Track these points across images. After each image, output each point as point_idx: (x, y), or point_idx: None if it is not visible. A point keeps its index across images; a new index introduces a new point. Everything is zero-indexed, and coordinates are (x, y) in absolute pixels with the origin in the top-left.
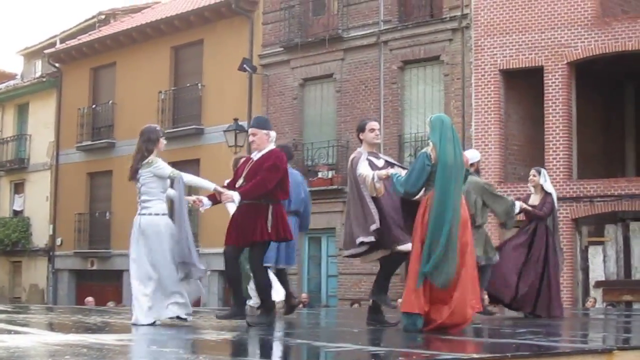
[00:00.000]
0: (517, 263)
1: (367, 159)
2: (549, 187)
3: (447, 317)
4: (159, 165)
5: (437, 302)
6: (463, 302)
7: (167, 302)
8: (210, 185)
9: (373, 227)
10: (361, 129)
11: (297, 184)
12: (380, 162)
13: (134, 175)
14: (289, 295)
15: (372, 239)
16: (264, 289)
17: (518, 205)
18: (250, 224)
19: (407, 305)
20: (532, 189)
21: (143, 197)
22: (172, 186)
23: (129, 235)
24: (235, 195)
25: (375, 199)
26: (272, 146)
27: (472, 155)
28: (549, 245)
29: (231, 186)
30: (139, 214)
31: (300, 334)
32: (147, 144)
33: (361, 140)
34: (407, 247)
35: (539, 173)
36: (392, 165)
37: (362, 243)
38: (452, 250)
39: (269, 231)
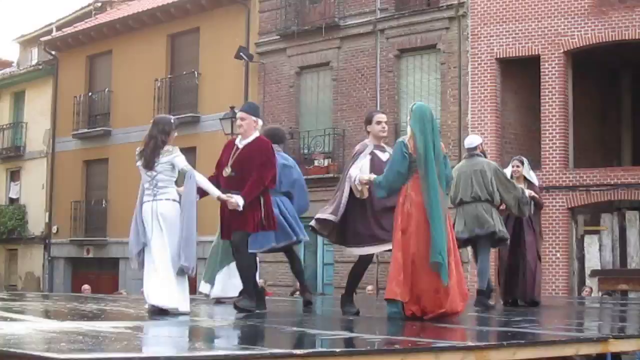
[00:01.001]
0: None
1: (371, 153)
2: (532, 177)
3: (443, 305)
4: (178, 154)
5: (426, 290)
6: (455, 290)
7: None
8: (215, 193)
9: (330, 217)
10: (368, 120)
11: (288, 167)
12: (385, 156)
13: (152, 165)
14: (303, 289)
15: (327, 217)
16: (246, 273)
17: (527, 192)
18: (240, 215)
19: (390, 292)
20: (515, 180)
21: (160, 184)
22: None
23: (130, 223)
24: (240, 201)
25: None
26: (257, 134)
27: (471, 140)
28: (523, 234)
29: (218, 177)
30: (155, 200)
31: (296, 322)
32: (162, 135)
33: (368, 132)
34: (365, 250)
35: (522, 163)
36: None
37: (317, 220)
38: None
39: (263, 223)
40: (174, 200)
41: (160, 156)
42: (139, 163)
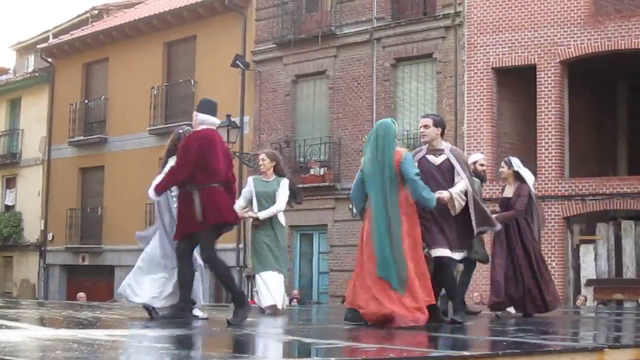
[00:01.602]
0: (504, 271)
1: (422, 158)
2: (524, 173)
3: (402, 311)
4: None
5: (386, 297)
6: (414, 298)
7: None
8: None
9: None
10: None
11: None
12: (439, 160)
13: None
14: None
15: None
16: (226, 280)
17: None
18: (184, 215)
19: (349, 299)
20: (504, 181)
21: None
22: None
23: (126, 231)
24: (150, 192)
25: None
26: (199, 128)
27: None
28: (525, 239)
29: None
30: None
31: (291, 331)
32: (177, 142)
33: None
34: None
35: (508, 164)
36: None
37: None
38: (398, 253)
39: (199, 220)
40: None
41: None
42: None
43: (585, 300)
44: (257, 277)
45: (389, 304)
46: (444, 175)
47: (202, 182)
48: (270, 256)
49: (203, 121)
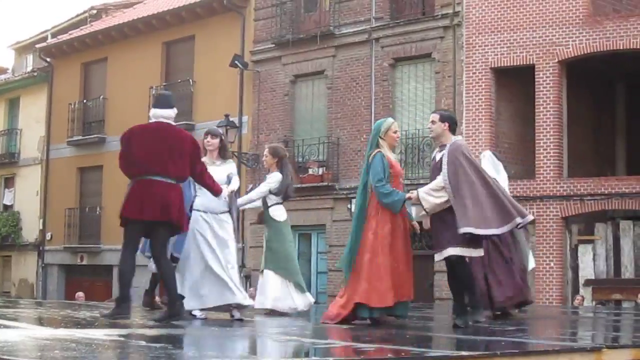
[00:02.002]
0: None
1: (434, 154)
2: (498, 170)
3: (335, 306)
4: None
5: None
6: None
7: None
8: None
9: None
10: None
11: None
12: (437, 157)
13: None
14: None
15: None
16: (166, 278)
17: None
18: None
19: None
20: None
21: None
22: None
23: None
24: None
25: None
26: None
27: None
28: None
29: None
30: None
31: (290, 331)
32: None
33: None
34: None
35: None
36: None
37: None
38: (355, 246)
39: (122, 209)
40: (196, 209)
41: None
42: None
43: (583, 300)
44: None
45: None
46: (437, 173)
47: (126, 174)
48: (264, 255)
49: (150, 116)
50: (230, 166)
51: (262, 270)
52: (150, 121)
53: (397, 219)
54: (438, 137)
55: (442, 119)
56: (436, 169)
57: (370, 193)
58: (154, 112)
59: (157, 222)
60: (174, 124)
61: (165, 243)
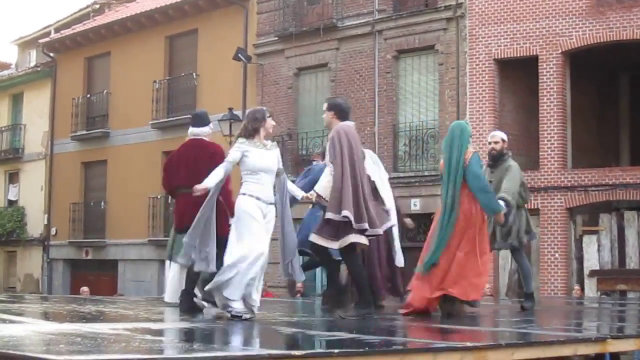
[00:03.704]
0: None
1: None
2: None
3: (415, 300)
4: (231, 148)
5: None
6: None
7: None
8: (207, 181)
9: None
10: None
11: None
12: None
13: None
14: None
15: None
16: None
17: None
18: None
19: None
20: None
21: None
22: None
23: (129, 224)
24: None
25: None
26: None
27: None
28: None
29: None
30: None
31: (295, 323)
32: (252, 122)
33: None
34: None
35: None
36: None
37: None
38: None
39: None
40: (243, 193)
41: None
42: None
43: (581, 291)
44: None
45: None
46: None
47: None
48: None
49: (188, 134)
50: (277, 151)
51: None
52: (188, 139)
53: (481, 217)
54: (328, 125)
55: (329, 108)
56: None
57: (460, 191)
58: (191, 130)
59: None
60: (207, 139)
61: None
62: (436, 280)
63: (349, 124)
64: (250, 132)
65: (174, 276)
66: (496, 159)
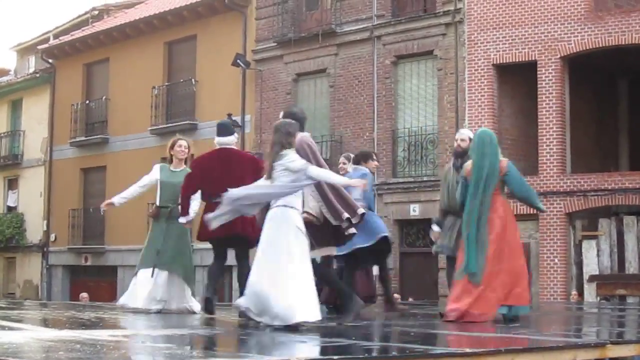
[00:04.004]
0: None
1: None
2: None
3: (468, 306)
4: (291, 157)
5: (464, 293)
6: (486, 294)
7: None
8: (339, 180)
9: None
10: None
11: None
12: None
13: (270, 174)
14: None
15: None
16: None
17: None
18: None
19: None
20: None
21: None
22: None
23: (130, 231)
24: None
25: None
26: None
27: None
28: None
29: None
30: (272, 207)
31: (295, 330)
32: (287, 137)
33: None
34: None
35: (349, 160)
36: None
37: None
38: (481, 250)
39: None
40: (292, 207)
41: (275, 161)
42: None
43: (578, 296)
44: None
45: (466, 301)
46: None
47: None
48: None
49: (215, 144)
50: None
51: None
52: (215, 148)
53: (514, 222)
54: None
55: (284, 117)
56: None
57: (492, 197)
58: (217, 140)
59: (227, 237)
60: (235, 147)
61: (239, 253)
62: (495, 290)
63: (308, 135)
64: (285, 147)
65: (143, 283)
66: (461, 157)
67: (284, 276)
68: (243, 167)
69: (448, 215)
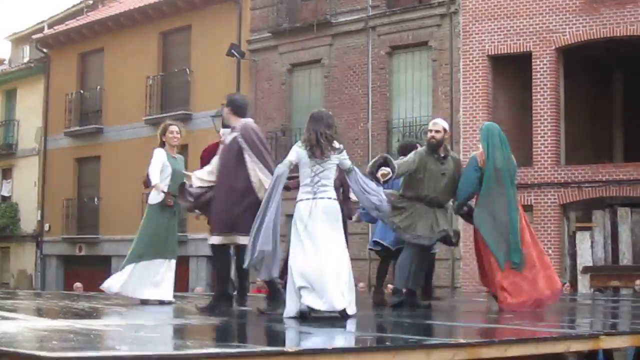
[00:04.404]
0: None
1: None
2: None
3: (537, 293)
4: (345, 155)
5: (520, 283)
6: (545, 273)
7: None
8: (374, 187)
9: None
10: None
11: None
12: (228, 139)
13: (326, 158)
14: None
15: None
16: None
17: None
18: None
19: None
20: None
21: (323, 182)
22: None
23: (124, 221)
24: None
25: None
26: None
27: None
28: None
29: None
30: (317, 198)
31: (289, 320)
32: (332, 129)
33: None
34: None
35: None
36: None
37: None
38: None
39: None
40: (335, 199)
41: (331, 153)
42: (305, 157)
43: (571, 287)
44: None
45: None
46: (228, 155)
47: None
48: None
49: (220, 135)
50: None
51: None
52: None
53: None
54: (226, 121)
55: (227, 104)
56: (226, 151)
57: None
58: (223, 131)
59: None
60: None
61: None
62: (535, 281)
63: (251, 121)
64: (331, 140)
65: (148, 273)
66: (435, 149)
67: (344, 266)
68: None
69: (414, 202)
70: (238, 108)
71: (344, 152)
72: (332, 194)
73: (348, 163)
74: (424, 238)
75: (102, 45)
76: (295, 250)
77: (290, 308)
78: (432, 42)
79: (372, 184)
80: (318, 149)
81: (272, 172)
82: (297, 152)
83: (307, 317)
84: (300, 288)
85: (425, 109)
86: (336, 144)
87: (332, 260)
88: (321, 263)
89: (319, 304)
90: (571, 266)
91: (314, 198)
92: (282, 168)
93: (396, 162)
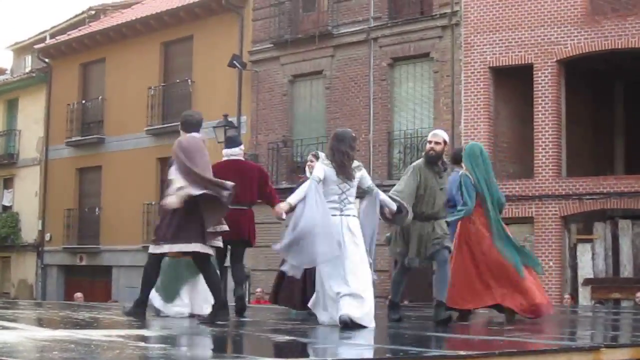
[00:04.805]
0: None
1: None
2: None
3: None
4: (365, 173)
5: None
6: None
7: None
8: (393, 206)
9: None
10: None
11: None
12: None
13: (352, 178)
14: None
15: None
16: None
17: None
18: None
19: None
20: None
21: (349, 199)
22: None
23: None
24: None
25: None
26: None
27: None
28: None
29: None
30: (344, 215)
31: (288, 331)
32: (353, 150)
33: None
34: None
35: (317, 157)
36: None
37: None
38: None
39: None
40: (356, 216)
41: (354, 171)
42: (333, 176)
43: (572, 299)
44: None
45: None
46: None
47: None
48: None
49: (223, 155)
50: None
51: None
52: (223, 159)
53: None
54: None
55: (181, 119)
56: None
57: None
58: (225, 152)
59: (233, 240)
60: (243, 159)
61: (239, 256)
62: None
63: (194, 136)
64: (352, 159)
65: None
66: (435, 162)
67: (369, 283)
68: (252, 177)
69: (414, 221)
70: (185, 124)
71: (363, 170)
72: (356, 211)
73: (368, 182)
74: (414, 260)
75: (104, 55)
76: (332, 261)
77: (324, 317)
78: (433, 53)
79: (393, 205)
80: (345, 170)
81: (195, 179)
82: (325, 170)
83: (349, 326)
84: (341, 295)
85: (427, 121)
86: (355, 162)
87: (366, 276)
88: (362, 276)
89: (358, 315)
90: (572, 278)
91: (340, 215)
92: (314, 183)
93: (397, 196)
